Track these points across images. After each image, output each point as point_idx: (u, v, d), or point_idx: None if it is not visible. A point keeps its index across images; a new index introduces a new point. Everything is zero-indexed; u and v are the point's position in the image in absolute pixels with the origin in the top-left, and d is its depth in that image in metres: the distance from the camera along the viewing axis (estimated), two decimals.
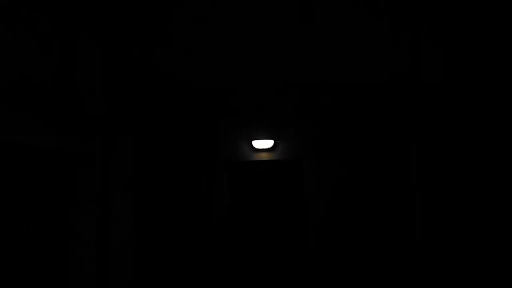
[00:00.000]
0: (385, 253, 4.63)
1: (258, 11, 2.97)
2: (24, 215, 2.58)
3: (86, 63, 3.24)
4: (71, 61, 3.02)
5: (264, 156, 4.99)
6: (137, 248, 4.54)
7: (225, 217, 4.96)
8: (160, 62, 3.88)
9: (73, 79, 3.04)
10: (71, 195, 3.12)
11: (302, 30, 3.24)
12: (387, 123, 4.72)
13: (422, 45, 3.44)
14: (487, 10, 2.94)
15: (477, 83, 3.41)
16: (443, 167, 3.88)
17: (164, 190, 5.03)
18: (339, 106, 4.68)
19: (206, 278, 4.85)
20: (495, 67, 3.21)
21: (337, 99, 4.58)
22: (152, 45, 3.54)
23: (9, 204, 2.43)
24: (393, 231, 4.65)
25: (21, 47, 2.43)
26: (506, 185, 3.13)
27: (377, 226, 4.68)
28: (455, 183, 3.69)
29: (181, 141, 5.08)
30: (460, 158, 3.63)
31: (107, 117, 3.68)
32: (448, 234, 3.79)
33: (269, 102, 4.72)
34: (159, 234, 4.93)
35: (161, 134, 5.01)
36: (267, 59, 3.81)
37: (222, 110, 4.84)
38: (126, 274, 4.14)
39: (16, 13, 2.38)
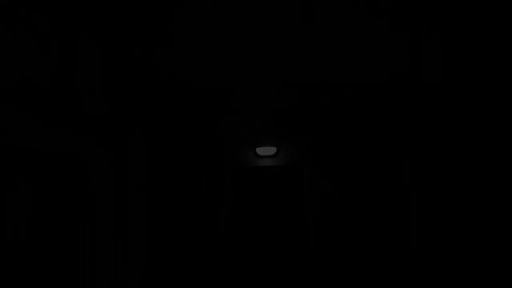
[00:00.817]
0: (383, 252, 4.63)
1: (258, 11, 2.97)
2: (24, 219, 2.57)
3: (86, 63, 3.25)
4: (71, 61, 3.02)
5: (267, 162, 5.01)
6: (148, 247, 4.55)
7: (228, 218, 4.96)
8: (160, 62, 3.88)
9: (73, 79, 3.04)
10: (75, 196, 3.12)
11: (302, 30, 3.24)
12: (387, 123, 4.72)
13: (422, 45, 3.44)
14: (487, 10, 2.94)
15: (477, 83, 3.41)
16: (443, 167, 3.87)
17: (169, 191, 5.02)
18: (339, 107, 4.68)
19: (210, 277, 4.86)
20: (495, 67, 3.21)
21: (337, 99, 4.58)
22: (152, 45, 3.54)
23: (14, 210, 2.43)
24: (390, 231, 4.65)
25: (21, 47, 2.43)
26: (508, 185, 3.13)
27: (375, 227, 4.68)
28: (455, 184, 3.69)
29: (184, 143, 5.07)
30: (460, 158, 3.63)
31: (107, 117, 3.68)
32: (443, 234, 3.79)
33: (269, 102, 4.72)
34: (166, 235, 4.93)
35: (163, 135, 5.01)
36: (267, 59, 3.81)
37: (222, 110, 4.84)
38: (139, 274, 4.16)
39: (16, 13, 2.39)
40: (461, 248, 3.54)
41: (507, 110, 3.12)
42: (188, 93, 4.55)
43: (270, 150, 4.93)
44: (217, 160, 5.06)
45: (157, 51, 3.65)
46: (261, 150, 4.93)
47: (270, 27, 3.19)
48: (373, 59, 3.77)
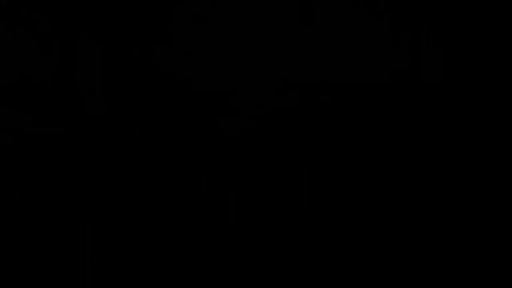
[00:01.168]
0: (384, 253, 4.63)
1: (258, 11, 2.97)
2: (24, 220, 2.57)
3: (86, 63, 3.25)
4: (71, 61, 3.02)
5: (268, 162, 5.00)
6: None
7: (228, 217, 4.96)
8: (160, 62, 3.87)
9: (73, 79, 3.04)
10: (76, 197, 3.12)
11: (302, 30, 3.24)
12: (386, 122, 4.72)
13: (422, 45, 3.44)
14: (487, 10, 2.94)
15: (477, 83, 3.41)
16: (443, 167, 3.87)
17: (169, 190, 5.02)
18: (339, 106, 4.68)
19: (210, 277, 4.85)
20: (496, 67, 3.21)
21: (337, 99, 4.58)
22: (152, 45, 3.54)
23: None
24: (392, 232, 4.65)
25: (21, 47, 2.43)
26: (509, 188, 3.12)
27: (377, 227, 4.68)
28: (455, 184, 3.69)
29: (184, 144, 5.07)
30: (460, 158, 3.63)
31: (107, 117, 3.68)
32: (445, 233, 3.79)
33: (269, 102, 4.72)
34: (166, 234, 4.92)
35: (163, 135, 5.01)
36: (267, 59, 3.81)
37: (222, 110, 4.84)
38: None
39: (16, 13, 2.39)
40: (460, 250, 3.54)
41: (508, 110, 3.12)
42: (188, 93, 4.55)
43: (271, 150, 4.93)
44: (217, 161, 5.06)
45: (157, 51, 3.65)
46: (261, 150, 4.92)
47: (270, 27, 3.19)
48: (373, 59, 3.77)
